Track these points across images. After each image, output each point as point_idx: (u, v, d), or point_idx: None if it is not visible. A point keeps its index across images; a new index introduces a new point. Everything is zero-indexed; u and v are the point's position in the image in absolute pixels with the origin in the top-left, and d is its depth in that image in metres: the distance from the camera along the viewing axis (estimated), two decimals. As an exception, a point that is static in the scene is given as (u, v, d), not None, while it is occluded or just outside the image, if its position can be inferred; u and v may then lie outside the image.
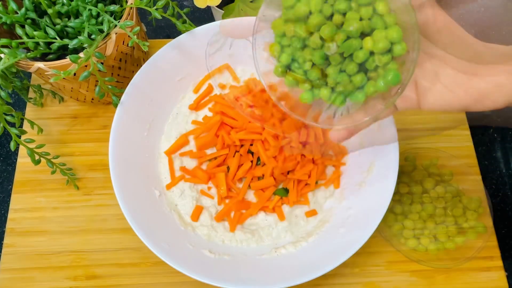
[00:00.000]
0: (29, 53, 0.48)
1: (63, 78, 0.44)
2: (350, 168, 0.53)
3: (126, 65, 0.56)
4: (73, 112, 0.63)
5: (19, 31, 0.49)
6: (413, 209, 0.54)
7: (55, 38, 0.49)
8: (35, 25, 0.51)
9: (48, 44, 0.50)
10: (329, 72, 0.30)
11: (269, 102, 0.46)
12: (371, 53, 0.29)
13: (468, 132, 0.62)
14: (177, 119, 0.56)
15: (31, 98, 0.60)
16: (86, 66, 0.49)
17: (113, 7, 0.50)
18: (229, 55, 0.56)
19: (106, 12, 0.50)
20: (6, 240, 0.55)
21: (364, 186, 0.49)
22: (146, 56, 0.61)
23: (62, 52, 0.52)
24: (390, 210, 0.53)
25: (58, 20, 0.51)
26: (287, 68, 0.31)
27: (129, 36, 0.47)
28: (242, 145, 0.52)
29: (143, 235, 0.44)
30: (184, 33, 0.52)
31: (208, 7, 0.60)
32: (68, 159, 0.59)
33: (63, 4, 0.51)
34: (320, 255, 0.44)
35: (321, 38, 0.28)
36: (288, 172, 0.52)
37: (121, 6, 0.52)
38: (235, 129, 0.52)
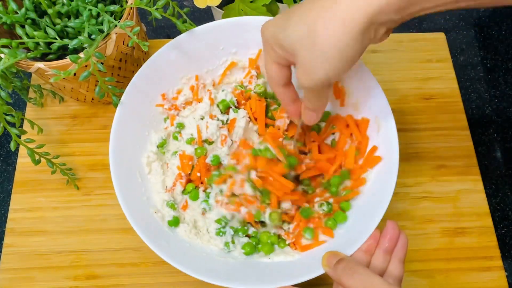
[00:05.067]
0: (29, 53, 0.48)
1: (63, 78, 0.44)
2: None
3: (126, 65, 0.56)
4: (73, 112, 0.63)
5: (19, 31, 0.49)
6: None
7: (55, 38, 0.49)
8: (35, 25, 0.51)
9: (48, 44, 0.50)
10: None
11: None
12: None
13: (468, 132, 0.62)
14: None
15: (31, 98, 0.60)
16: (86, 66, 0.49)
17: (113, 7, 0.50)
18: (232, 54, 0.56)
19: (106, 12, 0.50)
20: (6, 240, 0.55)
21: (364, 187, 0.49)
22: (146, 56, 0.61)
23: (62, 52, 0.52)
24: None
25: (58, 20, 0.51)
26: None
27: (129, 36, 0.47)
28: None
29: (143, 235, 0.44)
30: (184, 33, 0.52)
31: (208, 7, 0.60)
32: (68, 159, 0.59)
33: (63, 4, 0.51)
34: (320, 255, 0.44)
35: None
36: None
37: (121, 6, 0.52)
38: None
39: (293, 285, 0.42)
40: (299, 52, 0.35)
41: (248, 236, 0.50)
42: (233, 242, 0.48)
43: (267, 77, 0.43)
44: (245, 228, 0.49)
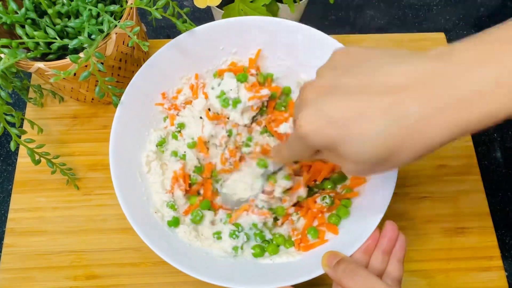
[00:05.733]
0: (29, 53, 0.48)
1: (63, 78, 0.44)
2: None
3: (126, 65, 0.56)
4: (73, 112, 0.63)
5: (19, 31, 0.49)
6: None
7: (55, 38, 0.49)
8: (35, 25, 0.51)
9: (48, 44, 0.50)
10: None
11: None
12: None
13: (468, 132, 0.62)
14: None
15: (31, 98, 0.60)
16: (86, 66, 0.49)
17: (113, 7, 0.50)
18: (232, 54, 0.56)
19: (106, 12, 0.50)
20: (6, 240, 0.55)
21: (364, 187, 0.49)
22: (146, 56, 0.61)
23: (62, 52, 0.52)
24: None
25: (58, 20, 0.51)
26: None
27: (129, 36, 0.47)
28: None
29: (143, 235, 0.44)
30: (183, 33, 0.52)
31: (208, 7, 0.60)
32: (68, 159, 0.59)
33: (63, 4, 0.51)
34: (320, 255, 0.44)
35: None
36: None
37: (121, 6, 0.52)
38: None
39: (293, 285, 0.42)
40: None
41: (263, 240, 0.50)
42: (242, 248, 0.48)
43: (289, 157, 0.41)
44: (263, 233, 0.49)
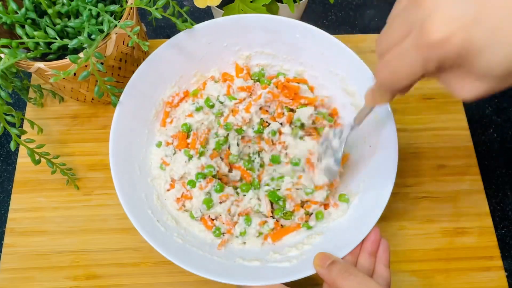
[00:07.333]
0: (29, 53, 0.48)
1: (63, 78, 0.44)
2: (351, 165, 0.53)
3: (126, 65, 0.56)
4: (73, 112, 0.63)
5: (19, 31, 0.49)
6: None
7: (55, 38, 0.49)
8: (35, 25, 0.51)
9: (48, 44, 0.50)
10: None
11: None
12: None
13: (468, 132, 0.62)
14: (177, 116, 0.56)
15: (31, 98, 0.60)
16: (86, 66, 0.49)
17: (113, 7, 0.50)
18: (236, 51, 0.56)
19: (106, 12, 0.50)
20: (6, 240, 0.55)
21: (364, 185, 0.50)
22: (146, 56, 0.60)
23: (62, 52, 0.52)
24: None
25: (58, 20, 0.51)
26: None
27: (129, 36, 0.47)
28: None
29: (145, 233, 0.44)
30: (182, 31, 0.52)
31: (208, 7, 0.60)
32: (68, 159, 0.59)
33: (63, 4, 0.51)
34: (312, 257, 0.44)
35: None
36: None
37: (121, 6, 0.52)
38: None
39: (284, 284, 0.43)
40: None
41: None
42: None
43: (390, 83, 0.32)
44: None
